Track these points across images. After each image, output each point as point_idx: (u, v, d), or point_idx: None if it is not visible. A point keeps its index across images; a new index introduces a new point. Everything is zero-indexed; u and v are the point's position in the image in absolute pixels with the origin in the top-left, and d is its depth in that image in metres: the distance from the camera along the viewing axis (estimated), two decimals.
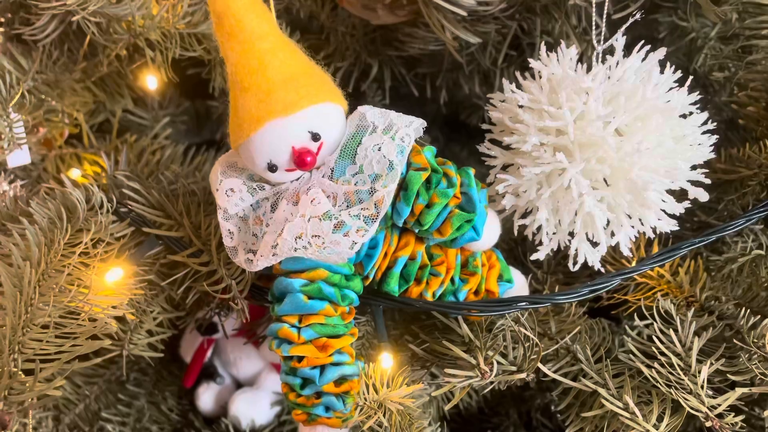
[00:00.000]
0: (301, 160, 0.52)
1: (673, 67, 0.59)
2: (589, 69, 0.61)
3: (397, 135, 0.54)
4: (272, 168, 0.53)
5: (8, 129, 0.70)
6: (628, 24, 0.61)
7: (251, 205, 0.56)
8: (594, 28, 0.59)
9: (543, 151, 0.58)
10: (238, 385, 0.89)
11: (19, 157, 0.73)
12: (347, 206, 0.53)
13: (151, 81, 0.85)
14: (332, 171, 0.54)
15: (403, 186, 0.55)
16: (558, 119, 0.57)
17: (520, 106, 0.60)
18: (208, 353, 0.86)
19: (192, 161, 0.91)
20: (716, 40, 0.88)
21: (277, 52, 0.52)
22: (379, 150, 0.53)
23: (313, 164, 0.53)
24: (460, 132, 1.14)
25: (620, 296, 0.70)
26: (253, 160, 0.53)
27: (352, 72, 0.92)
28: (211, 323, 0.81)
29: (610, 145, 0.55)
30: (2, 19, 0.72)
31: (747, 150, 0.73)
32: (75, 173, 0.84)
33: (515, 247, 0.82)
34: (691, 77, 0.59)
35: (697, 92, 0.59)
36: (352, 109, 0.59)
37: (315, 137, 0.53)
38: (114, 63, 0.77)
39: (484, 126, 0.66)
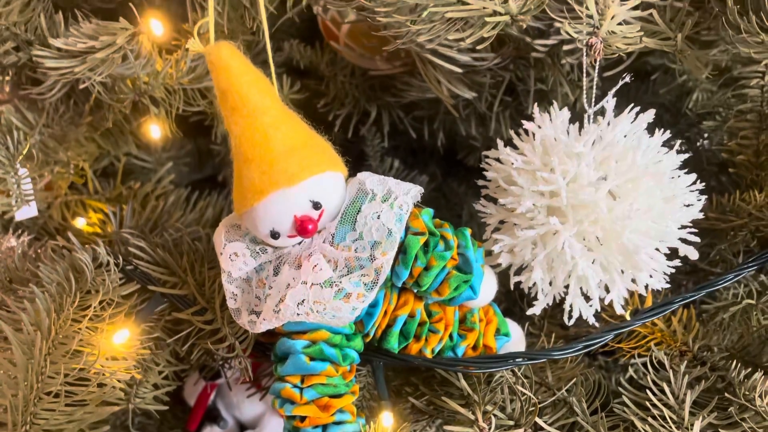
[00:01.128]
0: (303, 228, 0.54)
1: (662, 130, 0.61)
2: (581, 126, 0.63)
3: (395, 203, 0.55)
4: (275, 235, 0.55)
5: (16, 186, 0.72)
6: (618, 86, 0.63)
7: (254, 268, 0.58)
8: (585, 88, 0.61)
9: (537, 212, 0.60)
10: (242, 427, 0.90)
11: (27, 212, 0.75)
12: (348, 271, 0.55)
13: (154, 130, 0.87)
14: (333, 237, 0.56)
15: (401, 249, 0.57)
16: (551, 183, 0.58)
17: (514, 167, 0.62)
18: (212, 397, 0.88)
19: (195, 205, 0.93)
20: (708, 83, 0.91)
21: (280, 125, 0.54)
22: (378, 218, 0.55)
23: (315, 232, 0.55)
24: (457, 167, 1.16)
25: (613, 344, 0.72)
26: (257, 228, 0.55)
27: (352, 117, 0.94)
28: (215, 369, 0.82)
29: (602, 209, 0.57)
30: (8, 78, 0.74)
31: (737, 199, 0.75)
32: (80, 222, 0.86)
33: (511, 291, 0.84)
34: (680, 141, 0.61)
35: (687, 153, 0.61)
36: (354, 168, 0.60)
37: (316, 206, 0.55)
38: (119, 117, 0.78)
39: (480, 182, 0.68)
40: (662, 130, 0.62)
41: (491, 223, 0.65)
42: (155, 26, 0.77)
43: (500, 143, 0.65)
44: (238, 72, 0.53)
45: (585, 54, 0.54)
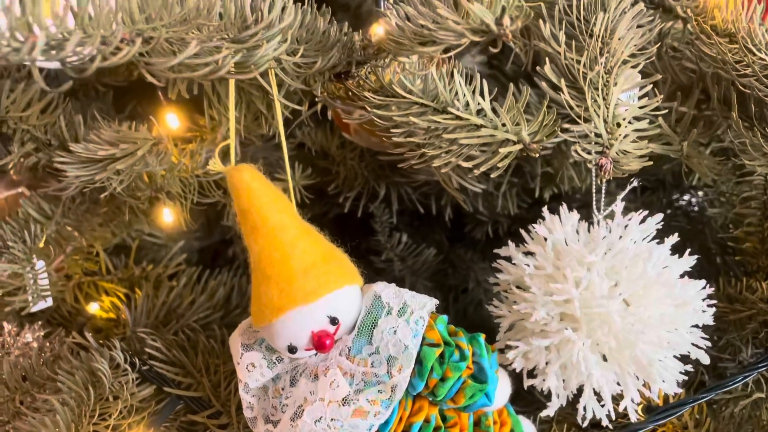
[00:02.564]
0: (321, 344, 0.55)
1: (674, 235, 0.62)
2: (590, 225, 0.65)
3: (411, 318, 0.56)
4: (292, 350, 0.56)
5: (33, 281, 0.73)
6: (626, 191, 0.64)
7: (271, 378, 0.59)
8: (594, 194, 0.63)
9: (551, 318, 0.61)
10: None
11: (42, 304, 0.76)
12: (364, 386, 0.55)
13: (167, 214, 0.88)
14: (349, 350, 0.57)
15: (417, 360, 0.57)
16: (564, 293, 0.59)
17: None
18: None
19: (206, 283, 0.94)
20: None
21: (298, 243, 0.55)
22: (395, 333, 0.56)
23: (332, 347, 0.56)
24: (464, 236, 1.17)
25: None
26: (274, 342, 0.56)
27: (361, 196, 0.95)
28: None
29: (615, 321, 0.58)
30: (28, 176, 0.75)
31: (744, 288, 0.76)
32: (93, 307, 0.87)
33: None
34: (688, 250, 0.62)
35: (695, 257, 0.62)
36: (367, 279, 0.61)
37: (333, 321, 0.55)
38: (135, 210, 0.80)
39: (492, 280, 0.69)
40: (672, 236, 0.63)
41: (504, 326, 0.66)
42: (171, 120, 0.79)
43: (511, 245, 0.66)
44: (259, 193, 0.54)
45: (594, 174, 0.55)
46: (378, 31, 0.67)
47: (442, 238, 1.18)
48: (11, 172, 0.79)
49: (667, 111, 0.62)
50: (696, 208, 0.94)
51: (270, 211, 0.55)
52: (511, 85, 0.52)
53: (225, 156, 0.61)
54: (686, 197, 1.00)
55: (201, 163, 0.77)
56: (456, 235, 1.18)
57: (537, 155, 0.52)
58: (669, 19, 0.69)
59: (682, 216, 0.96)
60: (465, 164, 0.51)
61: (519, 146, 0.51)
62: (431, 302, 0.58)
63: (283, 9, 0.53)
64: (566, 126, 0.53)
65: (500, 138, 0.50)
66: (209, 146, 0.79)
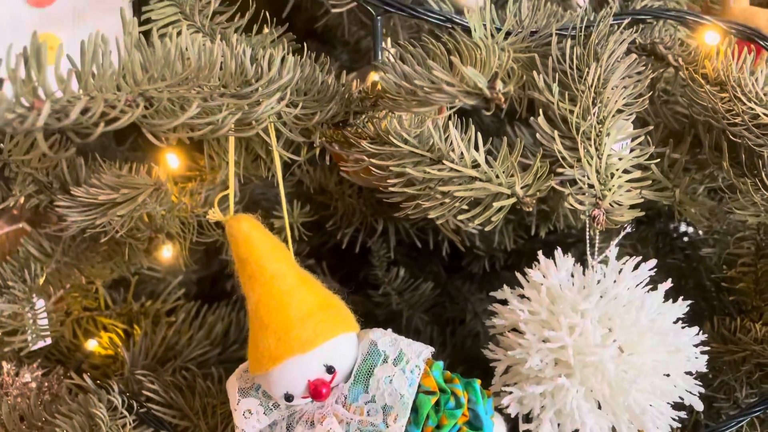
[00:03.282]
0: (317, 392, 0.55)
1: (667, 281, 0.63)
2: (584, 268, 0.65)
3: (407, 367, 0.57)
4: (288, 398, 0.56)
5: (32, 321, 0.73)
6: (621, 236, 0.65)
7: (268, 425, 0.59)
8: (588, 243, 0.63)
9: (545, 364, 0.61)
10: None
11: (41, 343, 0.76)
12: None
13: (166, 252, 0.89)
14: (346, 397, 0.57)
15: (413, 408, 0.58)
16: (558, 340, 0.60)
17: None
18: None
19: (204, 318, 0.94)
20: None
21: (295, 292, 0.56)
22: (390, 382, 0.56)
23: (328, 396, 0.56)
24: (462, 268, 1.18)
25: None
26: (270, 390, 0.57)
27: (359, 233, 0.96)
28: None
29: (609, 370, 0.58)
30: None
31: (738, 328, 0.76)
32: (92, 344, 0.87)
33: None
34: (681, 297, 0.63)
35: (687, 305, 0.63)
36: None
37: (330, 369, 0.56)
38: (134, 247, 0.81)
39: (488, 323, 0.70)
40: (666, 283, 0.63)
41: (500, 370, 0.66)
42: (171, 159, 0.80)
43: (507, 289, 0.67)
44: (257, 243, 0.55)
45: (588, 225, 0.56)
46: (375, 79, 0.68)
47: (439, 269, 1.18)
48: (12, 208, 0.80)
49: (659, 160, 0.63)
50: (690, 245, 0.95)
51: (268, 261, 0.55)
52: (505, 139, 0.53)
53: (225, 198, 0.61)
54: (681, 229, 1.01)
55: (200, 202, 0.78)
56: (453, 266, 1.19)
57: (530, 209, 0.52)
58: (661, 66, 0.70)
59: (677, 250, 0.97)
60: (460, 217, 0.51)
61: (513, 200, 0.52)
62: (427, 350, 0.59)
63: (283, 60, 0.54)
64: (559, 173, 0.54)
65: (494, 191, 0.51)
66: (209, 186, 0.80)
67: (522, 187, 0.52)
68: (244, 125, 0.48)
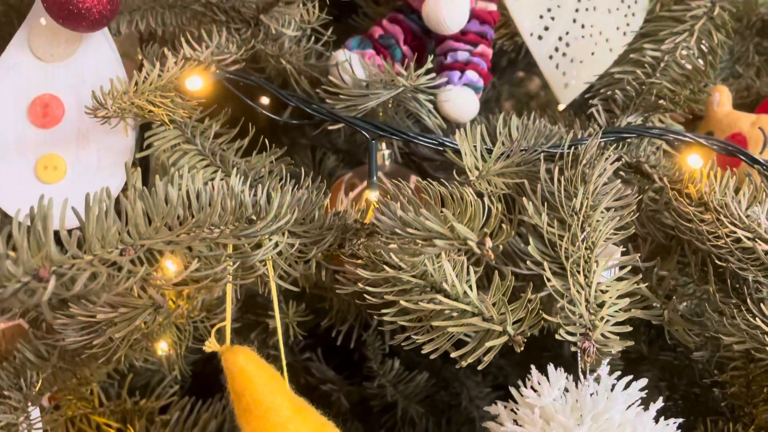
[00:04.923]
0: None
1: (659, 400, 0.64)
2: (576, 379, 0.66)
3: None
4: None
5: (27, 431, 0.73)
6: (611, 357, 0.66)
7: None
8: (580, 374, 0.64)
9: None
10: None
11: None
12: None
13: (162, 347, 0.89)
14: None
15: None
16: None
17: None
18: None
19: (198, 415, 0.94)
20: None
21: (289, 425, 0.57)
22: None
23: None
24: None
25: None
26: None
27: (354, 327, 0.97)
28: None
29: None
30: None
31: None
32: None
33: None
34: (674, 420, 0.63)
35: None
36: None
37: None
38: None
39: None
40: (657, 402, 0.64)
41: None
42: (167, 266, 0.81)
43: (500, 405, 0.67)
44: (253, 376, 0.56)
45: (579, 357, 0.57)
46: (371, 198, 0.70)
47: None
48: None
49: (646, 280, 0.65)
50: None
51: (263, 394, 0.56)
52: (496, 272, 0.55)
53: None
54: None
55: (197, 307, 0.79)
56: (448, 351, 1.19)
57: (520, 348, 0.53)
58: (647, 183, 0.72)
59: (669, 347, 0.98)
60: (453, 354, 0.52)
61: (505, 338, 0.53)
62: None
63: (283, 187, 0.56)
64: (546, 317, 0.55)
65: (485, 328, 0.53)
66: (206, 291, 0.81)
67: (514, 323, 0.53)
68: (245, 269, 0.49)
